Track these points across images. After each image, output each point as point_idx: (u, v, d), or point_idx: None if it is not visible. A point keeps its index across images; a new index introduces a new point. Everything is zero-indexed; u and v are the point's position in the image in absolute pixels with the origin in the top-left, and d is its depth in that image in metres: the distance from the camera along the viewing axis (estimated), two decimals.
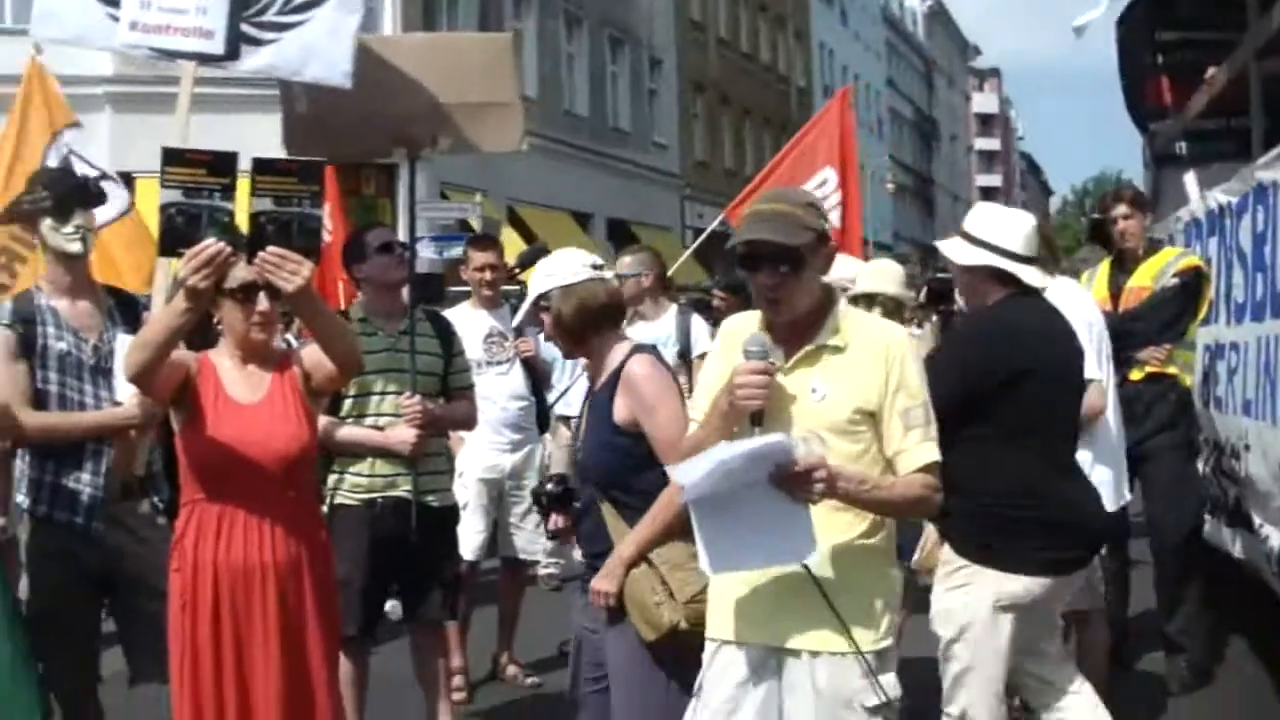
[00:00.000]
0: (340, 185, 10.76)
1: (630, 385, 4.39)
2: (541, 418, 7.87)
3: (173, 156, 4.12)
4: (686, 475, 3.38)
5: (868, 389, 3.61)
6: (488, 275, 7.38)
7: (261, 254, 4.03)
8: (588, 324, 4.49)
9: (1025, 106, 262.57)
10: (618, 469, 4.44)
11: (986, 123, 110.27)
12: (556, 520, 4.89)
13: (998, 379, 4.67)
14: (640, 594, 4.26)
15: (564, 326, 4.51)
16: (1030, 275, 4.87)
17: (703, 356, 7.17)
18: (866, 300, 6.19)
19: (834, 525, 3.58)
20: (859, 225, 8.67)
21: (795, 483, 3.35)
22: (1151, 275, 7.09)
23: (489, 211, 23.61)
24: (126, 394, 5.05)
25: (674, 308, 8.05)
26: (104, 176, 6.79)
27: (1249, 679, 7.18)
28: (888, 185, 59.74)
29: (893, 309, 6.17)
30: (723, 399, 3.54)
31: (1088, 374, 5.79)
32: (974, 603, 4.66)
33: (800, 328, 3.66)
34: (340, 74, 5.86)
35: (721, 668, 3.72)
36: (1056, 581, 4.79)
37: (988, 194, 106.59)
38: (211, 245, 3.98)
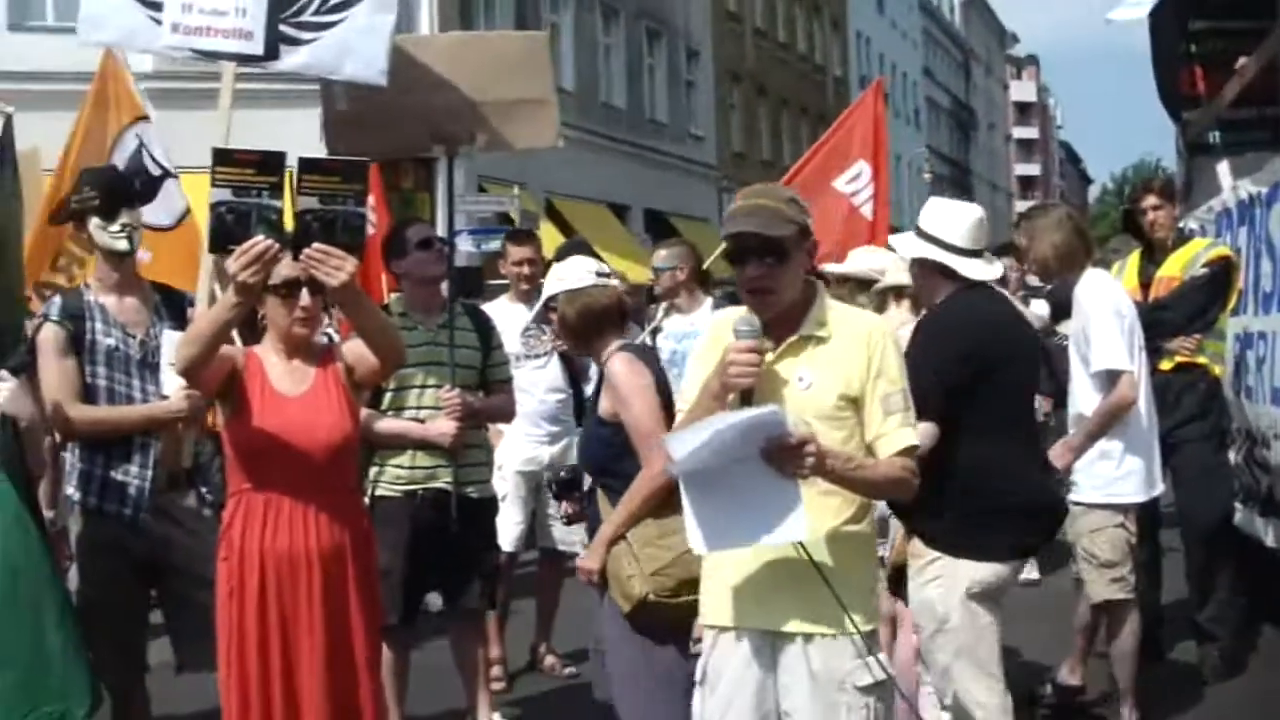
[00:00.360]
0: (383, 180, 10.83)
1: (609, 381, 4.81)
2: (579, 410, 7.95)
3: (222, 156, 4.23)
4: (679, 446, 3.43)
5: (851, 376, 3.72)
6: (525, 270, 7.48)
7: (306, 250, 4.15)
8: (590, 326, 4.89)
9: (1064, 94, 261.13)
10: (601, 457, 4.88)
11: (1024, 111, 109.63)
12: (566, 506, 5.37)
13: (970, 370, 4.81)
14: (617, 569, 4.59)
15: (568, 327, 4.95)
16: (969, 268, 5.01)
17: None
18: (895, 292, 6.23)
19: (823, 510, 3.67)
20: (887, 216, 8.70)
21: (787, 455, 3.41)
22: (1181, 265, 7.12)
23: (527, 204, 23.70)
24: (173, 388, 5.17)
25: (709, 300, 8.11)
26: (167, 175, 6.89)
27: (1277, 666, 7.20)
28: (925, 175, 59.47)
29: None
30: (713, 381, 3.61)
31: (1118, 365, 5.88)
32: (949, 594, 4.79)
33: (785, 320, 3.75)
34: (376, 72, 5.96)
35: (722, 654, 3.82)
36: (1022, 563, 5.06)
37: (1026, 183, 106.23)
38: (260, 242, 4.10)
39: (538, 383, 7.46)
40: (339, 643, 4.50)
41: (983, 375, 4.81)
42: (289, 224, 4.26)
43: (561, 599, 7.83)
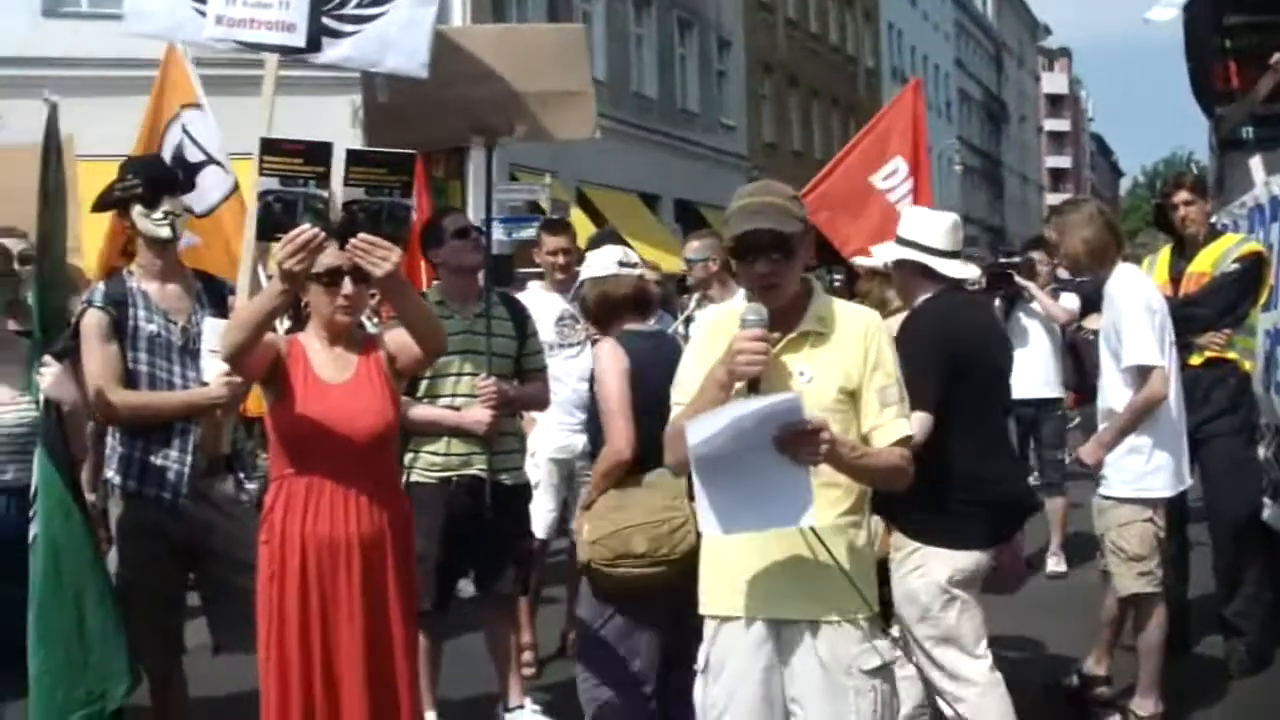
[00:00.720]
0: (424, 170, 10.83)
1: (595, 365, 5.36)
2: None
3: (269, 146, 4.29)
4: (698, 432, 3.49)
5: (850, 370, 3.81)
6: (560, 259, 7.55)
7: (352, 240, 4.20)
8: (608, 311, 5.41)
9: (1096, 86, 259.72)
10: (594, 432, 5.43)
11: (1056, 103, 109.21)
12: None
13: (950, 365, 5.03)
14: (582, 534, 5.11)
15: (588, 311, 5.57)
16: (949, 268, 5.31)
17: None
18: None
19: (824, 500, 3.72)
20: (926, 204, 8.65)
21: (801, 442, 3.48)
22: (1212, 261, 7.14)
23: (558, 193, 23.75)
24: (213, 375, 5.25)
25: (742, 291, 8.15)
26: (210, 160, 6.93)
27: None
28: (956, 167, 59.37)
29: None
30: (719, 370, 3.66)
31: (1150, 360, 5.93)
32: (930, 583, 5.01)
33: (785, 315, 3.80)
34: (418, 65, 6.04)
35: (725, 644, 3.88)
36: (997, 550, 5.27)
37: (1057, 175, 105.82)
38: (306, 231, 4.15)
39: (571, 371, 7.48)
40: (378, 627, 4.56)
41: (961, 371, 5.03)
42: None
43: None
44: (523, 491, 6.35)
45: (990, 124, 79.12)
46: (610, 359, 5.21)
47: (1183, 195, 7.30)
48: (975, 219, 64.33)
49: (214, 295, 5.55)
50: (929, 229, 5.38)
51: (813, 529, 3.65)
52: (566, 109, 6.77)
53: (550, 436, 7.50)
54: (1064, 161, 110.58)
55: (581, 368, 7.58)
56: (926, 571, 5.04)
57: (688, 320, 8.41)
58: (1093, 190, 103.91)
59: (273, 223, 4.22)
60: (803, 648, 3.80)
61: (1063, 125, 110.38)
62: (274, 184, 4.20)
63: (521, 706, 6.37)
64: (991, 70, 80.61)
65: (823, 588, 3.76)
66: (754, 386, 3.59)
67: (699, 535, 4.30)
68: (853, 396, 3.81)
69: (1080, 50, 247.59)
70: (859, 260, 6.65)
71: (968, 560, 5.05)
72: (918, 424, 4.69)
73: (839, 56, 49.62)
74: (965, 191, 64.86)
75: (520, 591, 6.48)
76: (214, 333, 5.34)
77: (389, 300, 4.63)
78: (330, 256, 4.35)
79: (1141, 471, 6.10)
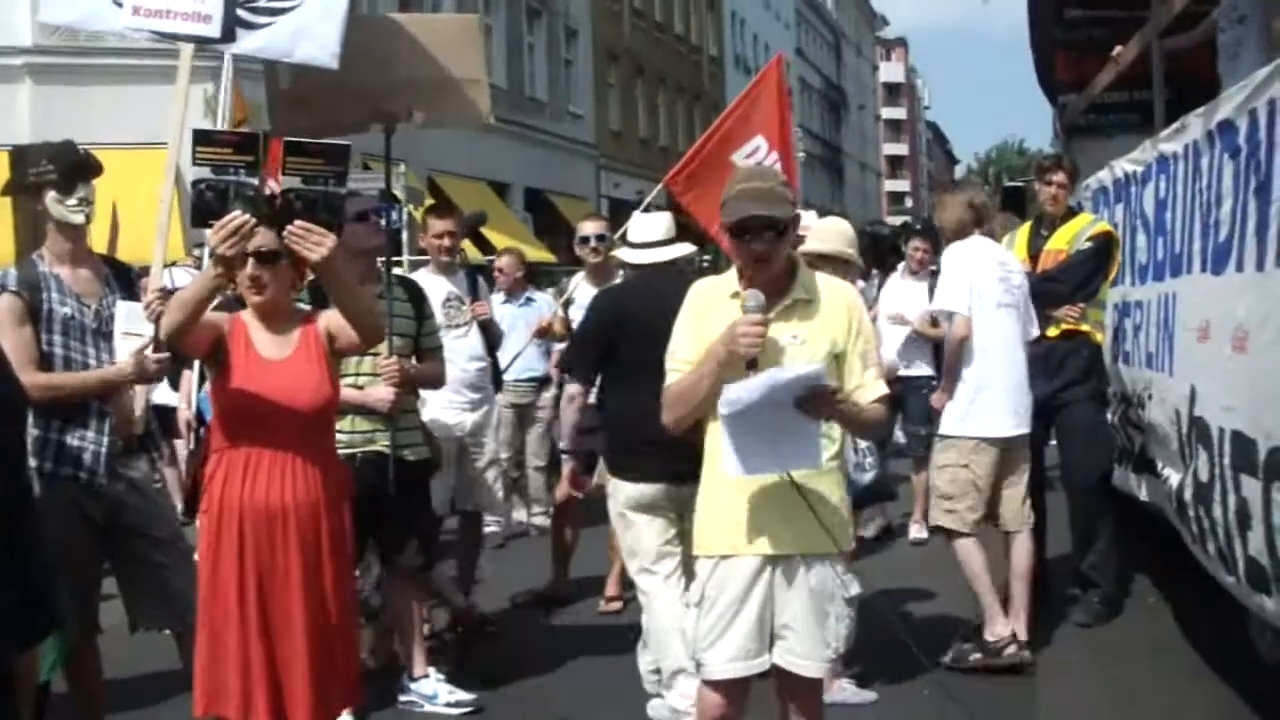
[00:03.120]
0: None
1: None
2: (495, 378, 8.28)
3: (203, 137, 4.48)
4: (737, 393, 4.01)
5: (836, 334, 4.32)
6: (447, 242, 7.74)
7: (289, 226, 4.41)
8: None
9: (931, 75, 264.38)
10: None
11: (893, 92, 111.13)
12: None
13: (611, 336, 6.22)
14: None
15: None
16: (636, 256, 6.48)
17: None
18: (818, 259, 6.53)
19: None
20: (796, 186, 8.92)
21: (822, 402, 4.07)
22: (1067, 239, 7.64)
23: (411, 181, 23.70)
24: (124, 356, 5.37)
25: (620, 273, 8.40)
26: None
27: (1150, 608, 7.80)
28: (799, 154, 60.15)
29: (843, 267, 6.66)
30: (719, 348, 4.16)
31: (949, 306, 6.80)
32: (612, 508, 6.20)
33: (776, 284, 4.29)
34: (329, 55, 6.21)
35: (720, 580, 4.30)
36: (670, 489, 5.88)
37: (894, 162, 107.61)
38: (237, 217, 4.35)
39: (459, 351, 7.68)
40: (317, 593, 4.71)
41: (625, 337, 5.98)
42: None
43: (482, 561, 8.16)
44: (424, 467, 6.53)
45: (830, 112, 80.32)
46: None
47: (1060, 177, 7.82)
48: (816, 205, 65.13)
49: (122, 279, 5.63)
50: (635, 228, 6.52)
51: (819, 469, 4.20)
52: (463, 97, 6.96)
53: (440, 415, 7.67)
54: (901, 149, 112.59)
55: (469, 348, 7.82)
56: (613, 499, 6.11)
57: (567, 303, 8.65)
58: (929, 177, 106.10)
59: (206, 210, 4.41)
60: (796, 580, 4.26)
61: (900, 113, 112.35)
62: (206, 173, 4.39)
63: (426, 676, 6.48)
64: (831, 59, 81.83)
65: (811, 527, 4.23)
66: (752, 364, 4.08)
67: None
68: (838, 358, 4.29)
69: (916, 41, 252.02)
70: None
71: (634, 490, 5.98)
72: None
73: (684, 45, 50.06)
74: (806, 178, 65.65)
75: (422, 564, 6.66)
76: (126, 315, 5.47)
77: (326, 287, 4.79)
78: (256, 239, 4.50)
79: (965, 413, 6.74)
